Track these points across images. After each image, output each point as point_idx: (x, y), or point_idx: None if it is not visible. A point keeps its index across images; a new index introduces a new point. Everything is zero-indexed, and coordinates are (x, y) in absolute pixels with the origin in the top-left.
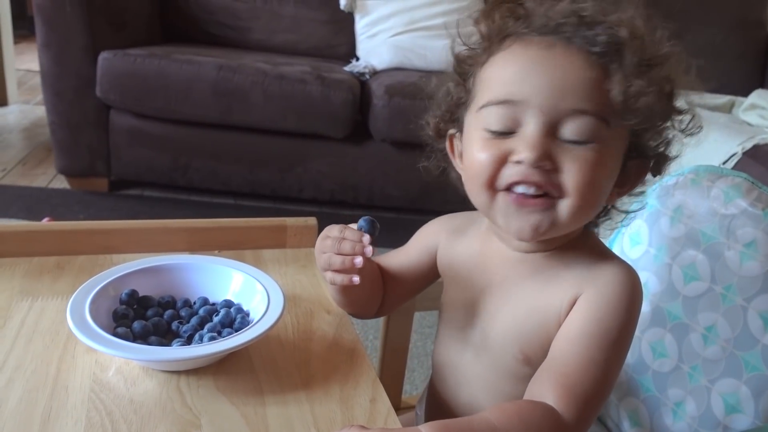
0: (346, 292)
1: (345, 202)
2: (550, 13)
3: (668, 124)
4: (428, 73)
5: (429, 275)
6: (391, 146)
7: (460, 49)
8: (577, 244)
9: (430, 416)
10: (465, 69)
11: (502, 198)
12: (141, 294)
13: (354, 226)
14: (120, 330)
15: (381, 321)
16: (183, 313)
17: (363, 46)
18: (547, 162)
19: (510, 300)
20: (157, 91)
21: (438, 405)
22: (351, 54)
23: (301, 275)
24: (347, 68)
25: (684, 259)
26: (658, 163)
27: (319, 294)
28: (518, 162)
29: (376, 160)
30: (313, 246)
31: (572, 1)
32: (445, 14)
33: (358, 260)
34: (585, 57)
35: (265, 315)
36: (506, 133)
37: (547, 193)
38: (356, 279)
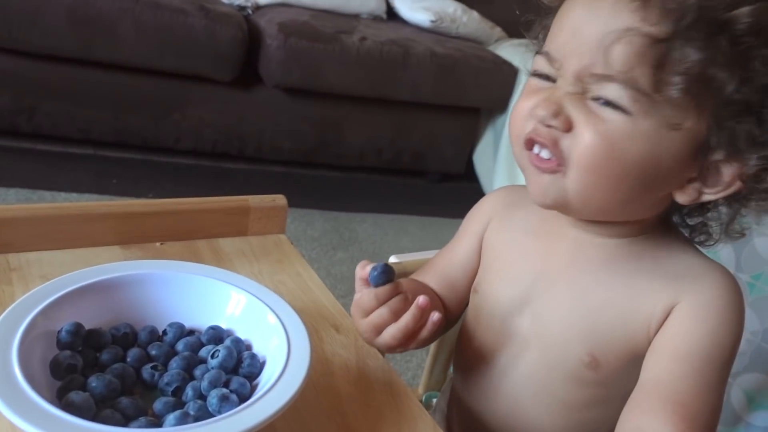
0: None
1: (229, 155)
2: None
3: None
4: (318, 12)
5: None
6: (284, 93)
7: None
8: (660, 234)
9: (456, 418)
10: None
11: (525, 156)
12: (86, 327)
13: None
14: (75, 398)
15: None
16: (154, 351)
17: None
18: (557, 120)
19: (577, 290)
20: None
21: (465, 407)
22: None
23: (282, 275)
24: (226, 0)
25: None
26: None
27: (316, 302)
28: (532, 116)
29: (266, 107)
30: (281, 232)
31: None
32: None
33: (436, 316)
34: (635, 9)
35: (289, 357)
36: (549, 79)
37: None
38: (436, 315)
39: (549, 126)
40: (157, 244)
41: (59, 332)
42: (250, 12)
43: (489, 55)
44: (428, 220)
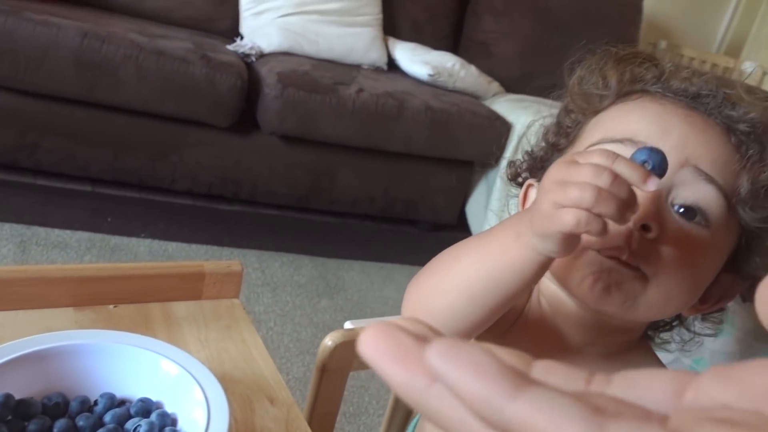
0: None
1: (224, 197)
2: (694, 80)
3: None
4: (320, 62)
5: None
6: (280, 140)
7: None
8: (639, 349)
9: None
10: (574, 117)
11: (592, 255)
12: (17, 396)
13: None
14: None
15: (310, 384)
16: (81, 422)
17: (248, 24)
18: (652, 225)
19: None
20: (2, 55)
21: None
22: (234, 31)
23: (227, 342)
24: (231, 47)
25: None
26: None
27: (255, 372)
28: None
29: (262, 153)
30: (235, 296)
31: (717, 77)
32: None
33: (651, 184)
34: (723, 134)
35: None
36: None
37: (639, 267)
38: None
39: (642, 228)
40: (111, 306)
41: None
42: (254, 59)
43: (484, 110)
44: (416, 269)
